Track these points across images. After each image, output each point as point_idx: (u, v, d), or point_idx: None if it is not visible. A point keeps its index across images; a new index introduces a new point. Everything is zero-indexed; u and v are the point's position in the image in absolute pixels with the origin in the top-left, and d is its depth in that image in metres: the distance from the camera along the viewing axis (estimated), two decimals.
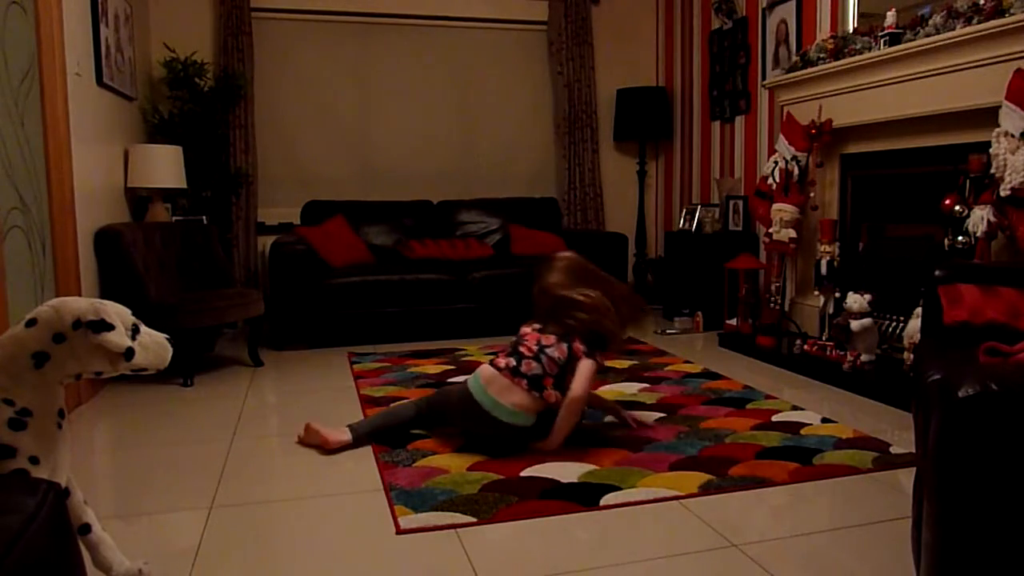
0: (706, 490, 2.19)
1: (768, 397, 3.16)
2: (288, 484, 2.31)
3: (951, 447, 1.16)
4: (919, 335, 2.29)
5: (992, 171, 2.78)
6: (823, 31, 4.09)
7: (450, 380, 3.43)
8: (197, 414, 3.07)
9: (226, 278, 4.12)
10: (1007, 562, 1.12)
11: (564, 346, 2.51)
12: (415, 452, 2.53)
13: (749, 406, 3.02)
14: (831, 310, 3.83)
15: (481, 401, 2.46)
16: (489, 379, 2.49)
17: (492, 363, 2.54)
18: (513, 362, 2.49)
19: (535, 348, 2.50)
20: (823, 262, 3.84)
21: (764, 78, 4.63)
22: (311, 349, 4.32)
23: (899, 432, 2.69)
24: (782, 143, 4.09)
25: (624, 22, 5.81)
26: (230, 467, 2.46)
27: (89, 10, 3.61)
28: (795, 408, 2.98)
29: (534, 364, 2.47)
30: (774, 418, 2.85)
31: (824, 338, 3.81)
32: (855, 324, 3.34)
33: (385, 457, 2.49)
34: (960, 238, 2.96)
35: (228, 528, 2.02)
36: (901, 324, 3.49)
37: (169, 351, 1.52)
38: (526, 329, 2.62)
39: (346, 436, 2.60)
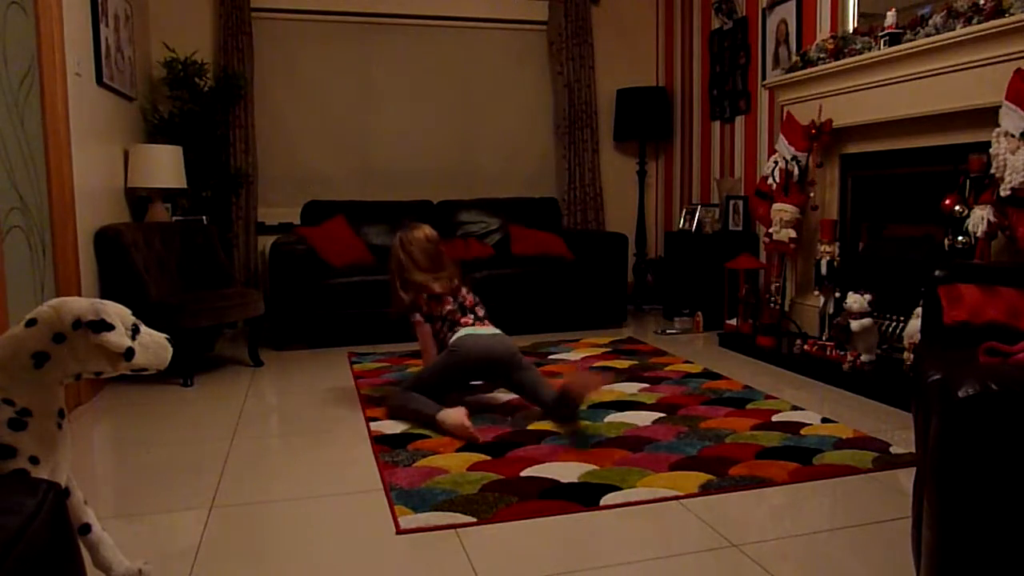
0: (706, 490, 2.19)
1: (768, 397, 3.16)
2: (288, 484, 2.31)
3: (951, 447, 1.16)
4: (919, 335, 2.29)
5: (992, 171, 2.78)
6: (823, 31, 4.09)
7: None
8: (197, 414, 3.07)
9: (226, 278, 4.12)
10: (1007, 562, 1.12)
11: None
12: (415, 452, 2.53)
13: (749, 406, 3.02)
14: (831, 310, 3.83)
15: (480, 335, 2.94)
16: (476, 329, 2.97)
17: (464, 327, 2.97)
18: (472, 316, 3.03)
19: (472, 299, 3.10)
20: (823, 262, 3.84)
21: (764, 78, 4.63)
22: (311, 349, 4.32)
23: (899, 432, 2.69)
24: (782, 143, 4.09)
25: (624, 22, 5.81)
26: (230, 467, 2.46)
27: (89, 10, 3.61)
28: (795, 408, 2.98)
29: (481, 308, 3.09)
30: (774, 418, 2.85)
31: (824, 338, 3.81)
32: (855, 324, 3.34)
33: (385, 457, 2.49)
34: (960, 238, 2.96)
35: (228, 528, 2.02)
36: (901, 324, 3.49)
37: (169, 351, 1.52)
38: (438, 288, 3.04)
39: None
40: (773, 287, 4.30)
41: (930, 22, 3.22)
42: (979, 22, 2.94)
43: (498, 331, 3.01)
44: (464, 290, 3.10)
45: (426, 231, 3.15)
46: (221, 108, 4.81)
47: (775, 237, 4.10)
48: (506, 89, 5.60)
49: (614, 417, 2.89)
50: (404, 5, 5.31)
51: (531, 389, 2.90)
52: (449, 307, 3.02)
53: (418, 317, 3.06)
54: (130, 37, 4.27)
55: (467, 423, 2.65)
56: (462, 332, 2.95)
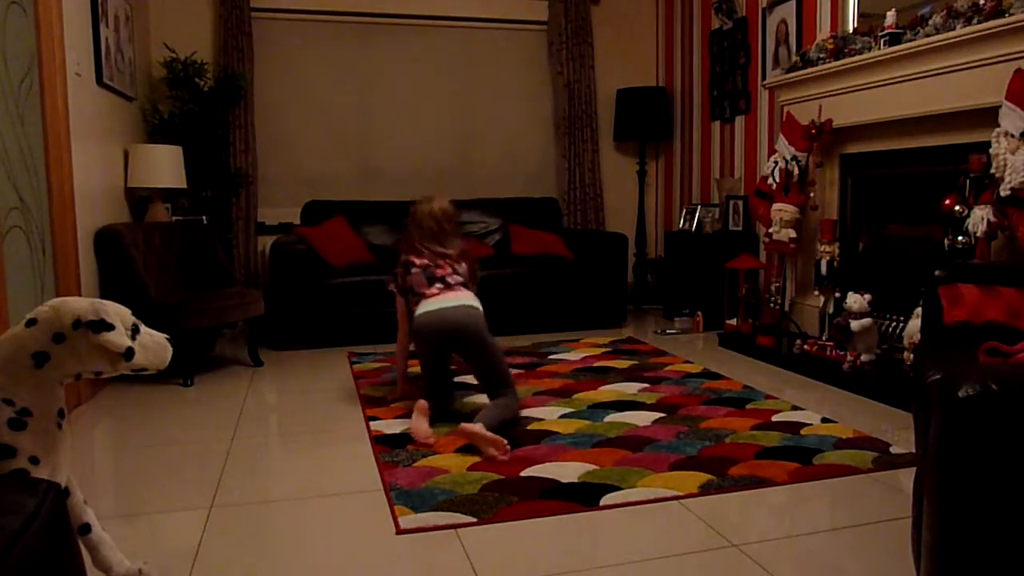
0: (706, 490, 2.19)
1: (768, 397, 3.16)
2: (288, 484, 2.31)
3: (951, 447, 1.16)
4: (919, 335, 2.29)
5: (992, 171, 2.78)
6: (823, 31, 4.09)
7: None
8: (197, 414, 3.07)
9: (226, 278, 4.12)
10: (1008, 562, 1.12)
11: (463, 264, 3.01)
12: (415, 452, 2.53)
13: (749, 406, 3.02)
14: (831, 310, 3.83)
15: (444, 308, 2.82)
16: (437, 300, 2.86)
17: (427, 299, 2.88)
18: (440, 285, 2.91)
19: (449, 268, 2.96)
20: (823, 262, 3.84)
21: (764, 78, 4.63)
22: (311, 349, 4.32)
23: (899, 432, 2.69)
24: (782, 143, 4.09)
25: (624, 22, 5.81)
26: (230, 467, 2.46)
27: (89, 10, 3.61)
28: (795, 408, 2.98)
29: (456, 276, 2.96)
30: (774, 418, 2.85)
31: (824, 338, 3.81)
32: (855, 324, 3.34)
33: (385, 457, 2.49)
34: (960, 238, 2.96)
35: (228, 528, 2.02)
36: (901, 324, 3.49)
37: (169, 351, 1.52)
38: (421, 262, 2.97)
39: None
40: (773, 287, 4.30)
41: (930, 22, 3.21)
42: (979, 22, 2.94)
43: (464, 299, 2.87)
44: (445, 260, 2.98)
45: (432, 206, 3.04)
46: (221, 108, 4.81)
47: (775, 237, 4.09)
48: (506, 89, 5.60)
49: (614, 417, 2.89)
50: (404, 5, 5.31)
51: (483, 377, 2.85)
52: (416, 278, 2.94)
53: (391, 287, 3.07)
54: (130, 37, 4.27)
55: (419, 432, 2.64)
56: (421, 307, 2.87)
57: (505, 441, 2.51)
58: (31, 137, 2.94)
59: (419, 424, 2.67)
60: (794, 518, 2.03)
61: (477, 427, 2.51)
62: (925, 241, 3.51)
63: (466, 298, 2.88)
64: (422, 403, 2.74)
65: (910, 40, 3.30)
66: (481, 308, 2.90)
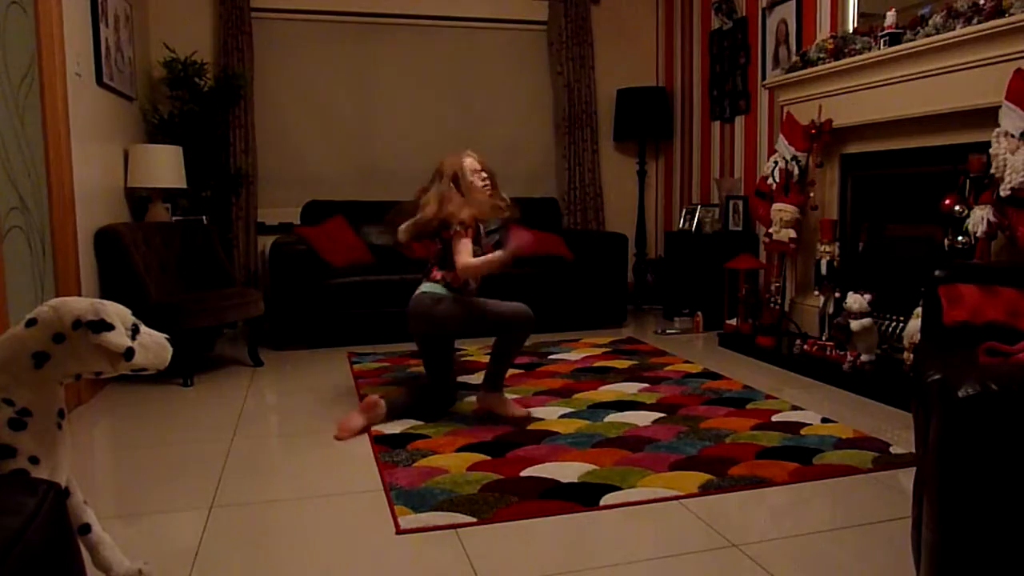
0: (706, 490, 2.19)
1: (768, 397, 3.16)
2: (288, 484, 2.31)
3: (951, 447, 1.16)
4: (919, 335, 2.29)
5: (992, 171, 2.78)
6: (823, 31, 4.09)
7: None
8: (197, 414, 3.07)
9: (226, 278, 4.12)
10: (1008, 562, 1.12)
11: (437, 245, 3.03)
12: (415, 452, 2.53)
13: (749, 406, 3.02)
14: (831, 310, 3.82)
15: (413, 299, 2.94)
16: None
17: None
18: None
19: (425, 255, 3.13)
20: (823, 262, 3.84)
21: (764, 78, 4.63)
22: (311, 349, 4.31)
23: (899, 432, 2.69)
24: (782, 143, 4.09)
25: (624, 22, 5.81)
26: (230, 467, 2.46)
27: (89, 10, 3.61)
28: (795, 408, 2.98)
29: (428, 263, 3.05)
30: (774, 418, 2.85)
31: (824, 338, 3.81)
32: (855, 324, 3.34)
33: (385, 457, 2.49)
34: (960, 238, 2.96)
35: (228, 528, 2.02)
36: (901, 324, 3.49)
37: (169, 351, 1.52)
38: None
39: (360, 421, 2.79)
40: (773, 287, 4.30)
41: (930, 22, 3.21)
42: (979, 22, 2.94)
43: (420, 288, 2.95)
44: (426, 244, 3.10)
45: (440, 165, 3.20)
46: (221, 108, 4.80)
47: (775, 237, 4.09)
48: (506, 89, 5.59)
49: (614, 417, 2.89)
50: (404, 5, 5.31)
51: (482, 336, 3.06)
52: None
53: None
54: (130, 37, 4.26)
55: (344, 425, 2.75)
56: None
57: (524, 412, 2.89)
58: (31, 137, 2.94)
59: (350, 418, 2.78)
60: (794, 518, 2.03)
61: (498, 402, 2.89)
62: (925, 241, 3.50)
63: (423, 287, 2.96)
64: (372, 398, 2.83)
65: (910, 40, 3.30)
66: (430, 289, 2.93)
